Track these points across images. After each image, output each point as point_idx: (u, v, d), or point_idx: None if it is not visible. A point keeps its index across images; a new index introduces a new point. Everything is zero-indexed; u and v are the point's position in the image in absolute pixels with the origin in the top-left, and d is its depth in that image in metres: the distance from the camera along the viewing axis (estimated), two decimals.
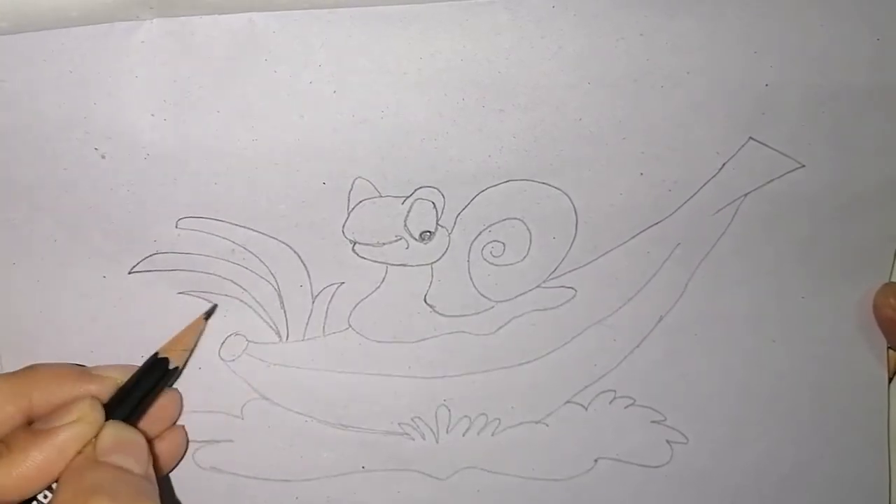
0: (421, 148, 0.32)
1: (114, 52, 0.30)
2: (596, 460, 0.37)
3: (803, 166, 0.33)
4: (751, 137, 0.33)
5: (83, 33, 0.30)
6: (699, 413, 0.37)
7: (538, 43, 0.31)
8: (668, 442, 0.37)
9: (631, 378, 0.36)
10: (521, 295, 0.35)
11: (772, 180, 0.34)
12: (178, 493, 0.36)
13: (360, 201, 0.33)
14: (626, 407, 0.36)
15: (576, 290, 0.35)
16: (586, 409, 0.36)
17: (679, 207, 0.34)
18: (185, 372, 0.34)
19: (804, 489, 0.37)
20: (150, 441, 0.31)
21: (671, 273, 0.35)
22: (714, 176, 0.33)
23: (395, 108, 0.31)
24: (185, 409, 0.35)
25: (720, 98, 0.32)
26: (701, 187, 0.33)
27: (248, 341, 0.35)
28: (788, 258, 0.35)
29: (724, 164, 0.33)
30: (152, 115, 0.31)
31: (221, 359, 0.35)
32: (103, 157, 0.31)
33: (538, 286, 0.35)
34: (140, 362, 0.33)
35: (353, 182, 0.32)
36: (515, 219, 0.34)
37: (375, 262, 0.34)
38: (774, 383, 0.36)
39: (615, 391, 0.36)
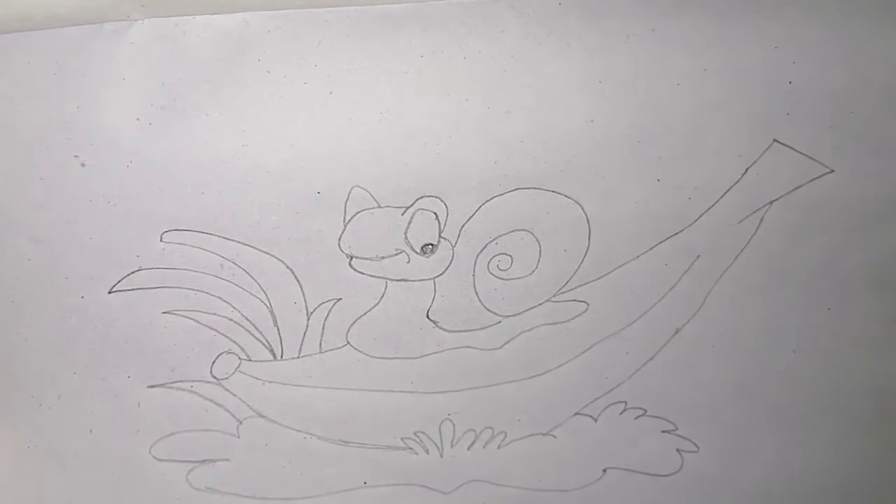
0: (422, 153, 0.30)
1: (102, 54, 0.29)
2: (605, 470, 0.36)
3: (832, 171, 0.31)
4: (775, 140, 0.31)
5: (70, 34, 0.29)
6: (712, 421, 0.35)
7: (544, 40, 0.29)
8: (678, 451, 0.35)
9: (643, 389, 0.35)
10: (529, 309, 0.33)
11: (798, 186, 0.32)
12: None
13: (358, 212, 0.31)
14: (636, 417, 0.35)
15: (588, 304, 0.33)
16: (596, 420, 0.35)
17: (699, 216, 0.32)
18: (177, 390, 0.33)
19: (813, 497, 0.36)
20: None
21: (690, 286, 0.33)
22: (737, 182, 0.31)
23: (394, 110, 0.30)
24: (178, 429, 0.34)
25: (740, 97, 0.30)
26: (723, 194, 0.31)
27: (241, 359, 0.33)
28: (815, 268, 0.33)
29: (747, 169, 0.31)
30: (137, 119, 0.29)
31: (214, 377, 0.33)
32: (83, 165, 0.30)
33: (548, 300, 0.33)
34: (125, 384, 0.32)
35: (350, 191, 0.31)
36: (524, 230, 0.32)
37: (374, 276, 0.32)
38: (789, 392, 0.35)
39: (626, 402, 0.35)
